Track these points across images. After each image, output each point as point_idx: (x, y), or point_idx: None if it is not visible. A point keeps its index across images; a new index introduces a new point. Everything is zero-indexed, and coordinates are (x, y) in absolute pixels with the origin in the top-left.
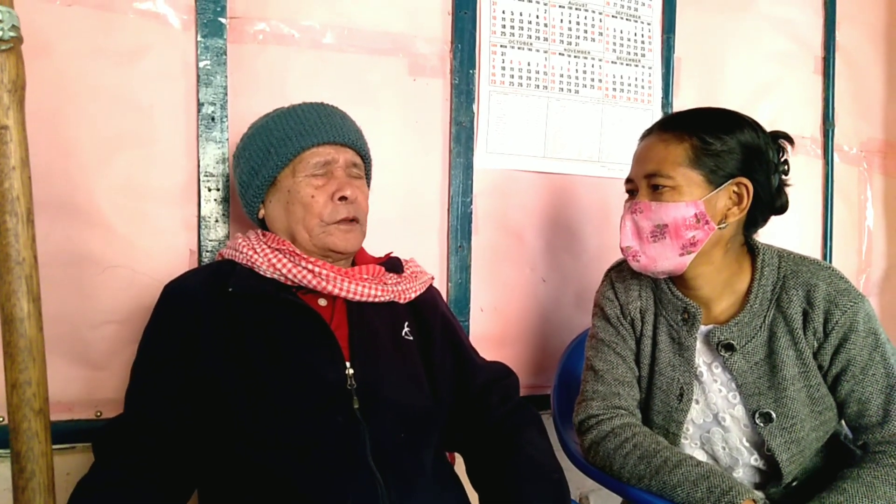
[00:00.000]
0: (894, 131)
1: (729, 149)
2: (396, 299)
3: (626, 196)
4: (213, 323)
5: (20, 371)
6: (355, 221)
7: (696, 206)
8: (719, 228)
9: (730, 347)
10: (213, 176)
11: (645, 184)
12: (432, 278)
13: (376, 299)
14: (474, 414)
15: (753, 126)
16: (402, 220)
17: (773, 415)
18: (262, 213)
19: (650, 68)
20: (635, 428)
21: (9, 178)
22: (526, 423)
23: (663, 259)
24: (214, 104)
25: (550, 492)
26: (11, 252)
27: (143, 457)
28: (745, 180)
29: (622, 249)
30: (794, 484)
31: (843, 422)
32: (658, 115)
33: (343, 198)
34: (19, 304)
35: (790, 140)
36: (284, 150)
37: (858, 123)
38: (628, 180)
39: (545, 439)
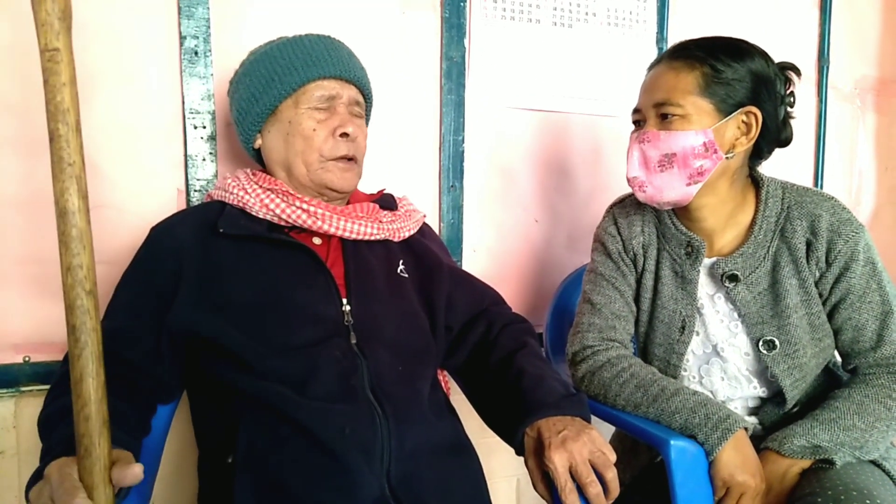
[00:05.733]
0: (889, 69)
1: (739, 77)
2: (391, 238)
3: (633, 128)
4: (200, 264)
5: (73, 256)
6: (353, 161)
7: (706, 134)
8: (727, 158)
9: (734, 278)
10: (199, 113)
11: (653, 113)
12: (424, 216)
13: (371, 237)
14: (483, 326)
15: (763, 55)
16: (397, 159)
17: (777, 342)
18: (258, 142)
19: (645, 1)
20: (631, 359)
21: (60, 92)
22: (530, 334)
23: (670, 189)
24: (197, 37)
25: (561, 379)
26: (64, 155)
27: (116, 361)
28: (754, 109)
29: (629, 180)
30: (795, 409)
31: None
32: (652, 50)
33: (345, 134)
34: (71, 200)
35: (797, 71)
36: (289, 80)
37: (853, 60)
38: (635, 110)
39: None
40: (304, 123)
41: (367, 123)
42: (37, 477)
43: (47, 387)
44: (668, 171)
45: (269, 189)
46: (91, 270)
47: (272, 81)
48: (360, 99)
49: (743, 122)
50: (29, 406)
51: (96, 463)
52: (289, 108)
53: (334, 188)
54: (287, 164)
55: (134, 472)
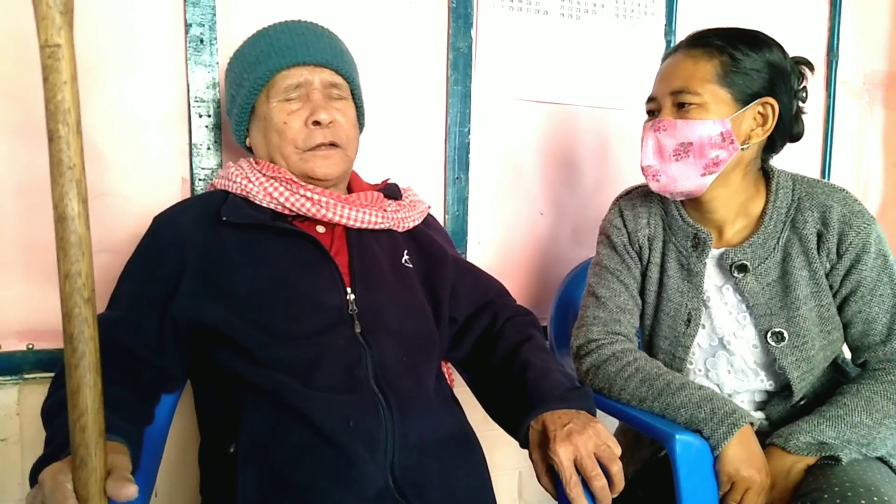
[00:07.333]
0: None
1: (758, 68)
2: (395, 227)
3: (640, 121)
4: (204, 253)
5: (72, 263)
6: (334, 146)
7: (723, 123)
8: (742, 149)
9: (743, 268)
10: (204, 101)
11: (670, 101)
12: (429, 207)
13: (376, 226)
14: (487, 318)
15: (780, 48)
16: (402, 150)
17: (786, 334)
18: (248, 141)
19: None
20: (636, 353)
21: (61, 91)
22: (535, 326)
23: (684, 179)
24: (203, 25)
25: (566, 371)
26: (63, 158)
27: (120, 350)
28: (771, 100)
29: (642, 169)
30: (802, 402)
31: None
32: (660, 43)
33: (317, 122)
34: (71, 205)
35: (811, 67)
36: (255, 76)
37: (862, 55)
38: (650, 99)
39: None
40: (275, 118)
41: (358, 103)
42: (40, 465)
43: (51, 374)
44: (683, 161)
45: (272, 177)
46: (90, 278)
47: (243, 80)
48: (338, 80)
49: (759, 113)
50: (32, 393)
51: (92, 474)
52: (262, 104)
53: (317, 177)
54: (271, 159)
55: (128, 494)
